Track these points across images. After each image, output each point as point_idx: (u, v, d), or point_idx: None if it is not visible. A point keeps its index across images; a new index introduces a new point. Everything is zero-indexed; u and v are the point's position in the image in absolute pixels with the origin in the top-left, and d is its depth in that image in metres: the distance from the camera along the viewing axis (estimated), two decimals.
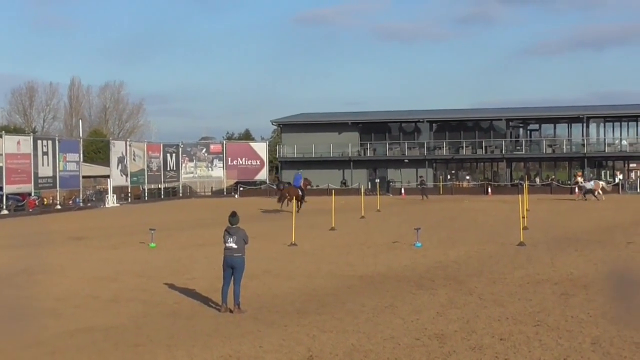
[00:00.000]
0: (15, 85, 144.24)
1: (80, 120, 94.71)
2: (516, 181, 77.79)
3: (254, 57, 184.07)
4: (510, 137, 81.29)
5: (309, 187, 53.65)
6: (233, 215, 17.22)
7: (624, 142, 78.88)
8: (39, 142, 60.72)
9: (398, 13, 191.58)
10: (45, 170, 60.03)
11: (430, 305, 16.51)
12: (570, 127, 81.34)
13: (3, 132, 63.07)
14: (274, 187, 65.37)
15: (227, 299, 16.60)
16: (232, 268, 16.74)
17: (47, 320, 15.85)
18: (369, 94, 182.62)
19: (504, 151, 79.16)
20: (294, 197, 47.08)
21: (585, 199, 58.41)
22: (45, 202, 62.30)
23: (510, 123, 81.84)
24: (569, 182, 77.51)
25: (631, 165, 79.02)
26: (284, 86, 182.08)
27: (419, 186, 71.39)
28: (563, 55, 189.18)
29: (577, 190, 61.95)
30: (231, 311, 16.32)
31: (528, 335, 13.60)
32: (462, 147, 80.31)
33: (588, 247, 26.95)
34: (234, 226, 17.01)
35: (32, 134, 71.73)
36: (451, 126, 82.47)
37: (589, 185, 61.52)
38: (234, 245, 16.79)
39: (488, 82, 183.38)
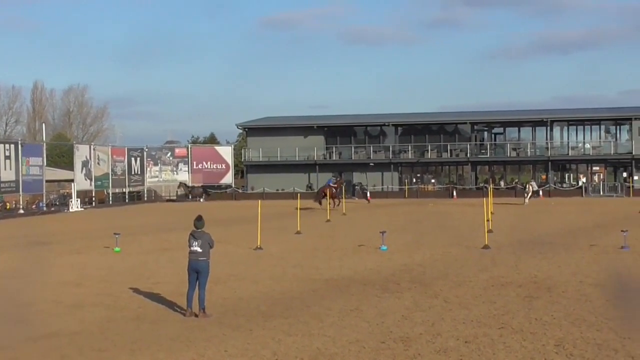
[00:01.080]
0: None
1: (44, 124, 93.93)
2: (481, 184, 78.19)
3: (220, 60, 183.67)
4: (475, 141, 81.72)
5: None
6: (199, 219, 17.15)
7: (587, 146, 79.57)
8: (1, 146, 60.16)
9: (364, 17, 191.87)
10: (8, 175, 59.47)
11: (396, 309, 16.55)
12: (535, 131, 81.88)
13: None
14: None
15: (192, 303, 16.53)
16: (197, 272, 16.67)
17: (10, 326, 15.70)
18: (335, 97, 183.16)
19: (468, 154, 79.58)
20: (329, 195, 53.73)
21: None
22: (7, 207, 61.75)
23: (475, 127, 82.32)
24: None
25: (594, 168, 79.66)
26: (250, 90, 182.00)
27: (360, 191, 71.59)
28: (528, 60, 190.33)
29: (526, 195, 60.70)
30: (196, 315, 16.26)
31: (492, 337, 13.67)
32: (428, 150, 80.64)
33: (552, 250, 27.14)
34: (199, 230, 16.92)
35: None
36: (416, 130, 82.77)
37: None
38: (199, 249, 16.72)
39: (453, 86, 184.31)
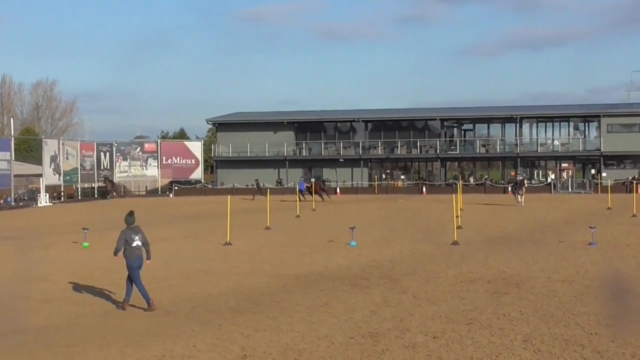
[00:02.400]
0: None
1: (12, 118, 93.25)
2: (450, 181, 78.54)
3: (190, 55, 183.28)
4: (445, 137, 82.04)
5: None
6: (131, 214, 17.21)
7: (556, 142, 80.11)
8: None
9: (336, 13, 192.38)
10: None
11: (365, 304, 16.58)
12: (504, 127, 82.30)
13: None
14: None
15: (130, 297, 16.65)
16: (139, 268, 16.67)
17: None
18: (304, 93, 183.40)
19: (438, 151, 79.83)
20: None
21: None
22: None
23: (445, 123, 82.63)
24: (502, 181, 78.49)
25: (563, 165, 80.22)
26: (220, 85, 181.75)
27: (255, 186, 71.24)
28: (498, 57, 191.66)
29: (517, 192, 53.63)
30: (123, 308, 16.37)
31: (461, 333, 13.72)
32: (397, 146, 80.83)
33: (520, 246, 27.30)
34: (134, 225, 16.89)
35: None
36: (386, 126, 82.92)
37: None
38: (140, 243, 16.75)
39: (424, 83, 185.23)
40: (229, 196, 34.51)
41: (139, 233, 16.86)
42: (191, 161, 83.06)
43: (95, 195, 74.51)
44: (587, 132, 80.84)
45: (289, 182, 78.97)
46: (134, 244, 16.73)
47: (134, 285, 16.62)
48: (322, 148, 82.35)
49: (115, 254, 16.98)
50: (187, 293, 18.42)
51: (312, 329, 14.18)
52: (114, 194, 73.63)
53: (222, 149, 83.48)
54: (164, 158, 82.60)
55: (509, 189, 56.55)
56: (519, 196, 52.49)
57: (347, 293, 18.12)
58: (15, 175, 66.14)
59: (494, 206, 51.53)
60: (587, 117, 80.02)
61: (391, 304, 16.57)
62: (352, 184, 79.91)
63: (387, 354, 12.34)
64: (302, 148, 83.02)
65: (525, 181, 58.73)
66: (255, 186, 70.46)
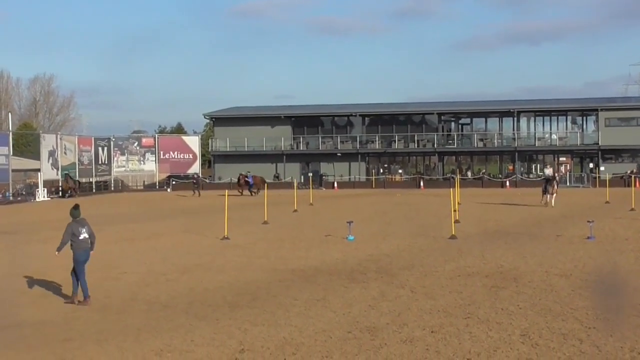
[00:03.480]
0: None
1: (10, 113, 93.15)
2: (448, 175, 78.52)
3: (187, 50, 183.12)
4: (442, 131, 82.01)
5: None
6: (76, 207, 17.10)
7: (554, 136, 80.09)
8: None
9: (332, 7, 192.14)
10: None
11: (362, 299, 16.57)
12: (502, 121, 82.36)
13: None
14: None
15: (78, 290, 16.63)
16: (85, 261, 16.67)
17: None
18: (301, 87, 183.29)
19: (435, 145, 79.88)
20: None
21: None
22: None
23: (442, 117, 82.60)
24: (500, 175, 78.53)
25: (561, 159, 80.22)
26: (217, 80, 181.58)
27: (192, 182, 71.33)
28: (496, 51, 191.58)
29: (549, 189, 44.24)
30: (79, 302, 16.43)
31: (458, 327, 13.72)
32: (395, 140, 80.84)
33: (518, 240, 27.29)
34: (80, 218, 16.90)
35: None
36: (384, 120, 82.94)
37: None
38: (87, 236, 16.73)
39: (420, 77, 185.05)
40: (226, 191, 34.48)
41: (86, 225, 16.83)
42: (189, 156, 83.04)
43: (60, 194, 69.65)
44: (585, 126, 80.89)
45: (287, 176, 78.95)
46: (81, 237, 16.63)
47: (79, 277, 16.57)
48: (320, 142, 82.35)
49: (60, 248, 16.76)
50: (185, 288, 18.41)
51: (309, 324, 14.17)
52: (75, 192, 69.11)
53: (220, 143, 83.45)
54: (162, 153, 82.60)
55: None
56: (548, 195, 44.22)
57: (345, 287, 18.11)
58: (13, 170, 66.07)
59: (492, 200, 51.50)
60: (584, 111, 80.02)
61: (389, 299, 16.56)
62: (349, 178, 79.93)
63: (385, 348, 12.33)
64: (300, 142, 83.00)
65: (557, 175, 52.58)
66: (195, 182, 70.78)
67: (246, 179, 65.33)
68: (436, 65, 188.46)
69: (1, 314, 15.71)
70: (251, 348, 12.45)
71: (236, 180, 68.46)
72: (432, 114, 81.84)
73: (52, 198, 65.03)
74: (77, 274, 16.58)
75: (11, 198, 62.78)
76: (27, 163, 75.05)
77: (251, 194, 63.74)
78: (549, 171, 50.32)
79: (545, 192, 44.91)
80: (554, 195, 44.32)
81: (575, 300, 16.09)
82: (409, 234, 29.83)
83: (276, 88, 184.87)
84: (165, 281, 19.47)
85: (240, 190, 64.57)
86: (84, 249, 16.62)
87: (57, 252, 16.86)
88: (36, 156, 71.82)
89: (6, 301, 17.14)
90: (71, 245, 16.62)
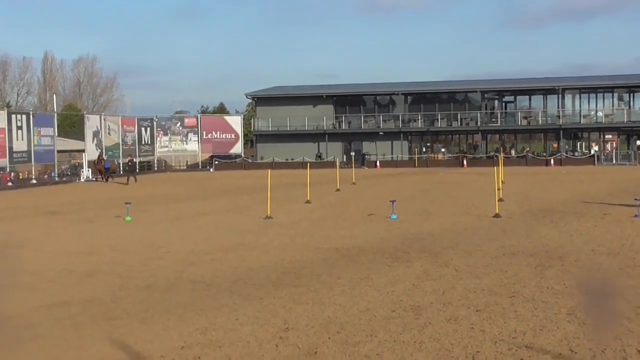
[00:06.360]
0: None
1: (54, 95, 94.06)
2: (491, 153, 78.05)
3: (229, 29, 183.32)
4: (486, 109, 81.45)
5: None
6: None
7: (600, 114, 79.17)
8: (13, 116, 60.26)
9: None
10: (20, 145, 59.64)
11: (406, 277, 16.51)
12: (546, 99, 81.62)
13: None
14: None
15: None
16: None
17: (23, 294, 15.73)
18: (343, 66, 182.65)
19: (479, 123, 79.39)
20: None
21: None
22: (20, 177, 61.90)
23: (486, 95, 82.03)
24: (544, 153, 77.88)
25: (606, 136, 79.38)
26: (259, 59, 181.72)
27: (126, 167, 64.95)
28: (542, 27, 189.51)
29: None
30: None
31: (504, 306, 13.62)
32: (437, 119, 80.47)
33: (563, 218, 27.05)
34: None
35: (6, 108, 71.23)
36: (426, 98, 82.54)
37: None
38: None
39: (464, 55, 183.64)
40: (269, 170, 34.53)
41: None
42: (231, 136, 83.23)
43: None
44: (632, 103, 79.81)
45: (329, 155, 78.91)
46: None
47: None
48: (362, 121, 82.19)
49: None
50: (229, 267, 18.46)
51: (353, 302, 14.15)
52: (105, 176, 62.88)
53: (262, 123, 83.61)
54: (204, 133, 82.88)
55: None
56: None
57: (388, 266, 18.06)
58: (58, 151, 66.69)
59: (536, 179, 51.10)
60: (632, 87, 78.94)
61: (433, 277, 16.49)
62: (392, 157, 79.76)
63: (430, 327, 12.28)
64: (342, 121, 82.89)
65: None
66: (127, 167, 63.96)
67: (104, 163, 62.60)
68: (480, 42, 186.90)
69: (49, 292, 15.87)
70: (295, 327, 12.45)
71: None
72: (476, 92, 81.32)
73: (96, 179, 65.57)
74: None
75: (57, 178, 63.42)
76: (71, 144, 75.72)
77: (105, 180, 60.85)
78: None
79: None
80: None
81: (623, 278, 15.91)
82: (452, 213, 29.70)
83: (318, 67, 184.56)
84: (209, 260, 19.54)
85: (104, 176, 61.82)
86: None
87: None
88: (80, 137, 72.44)
89: (54, 280, 17.31)
90: None
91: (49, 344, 11.78)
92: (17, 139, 59.27)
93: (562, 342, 11.16)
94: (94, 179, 61.55)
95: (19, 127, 59.77)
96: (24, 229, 27.89)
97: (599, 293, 13.87)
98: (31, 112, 65.00)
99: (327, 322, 12.74)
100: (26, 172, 63.76)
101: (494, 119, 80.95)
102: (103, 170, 61.88)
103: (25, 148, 60.28)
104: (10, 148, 57.90)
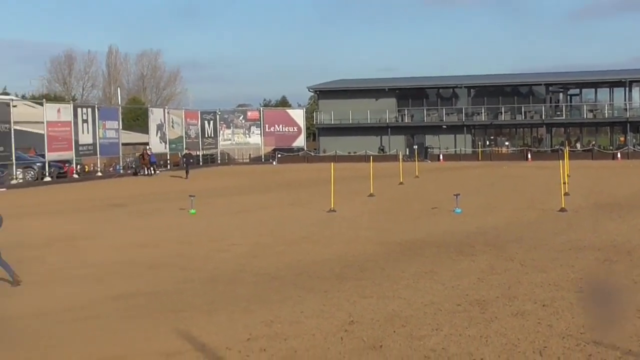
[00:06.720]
0: (54, 54, 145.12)
1: (119, 88, 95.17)
2: (556, 147, 77.17)
3: (290, 22, 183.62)
4: (550, 102, 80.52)
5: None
6: None
7: None
8: (79, 110, 61.10)
9: None
10: (86, 138, 60.45)
11: (471, 271, 16.38)
12: (612, 92, 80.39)
13: (44, 100, 63.50)
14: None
15: None
16: None
17: (89, 285, 15.95)
18: (406, 60, 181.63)
19: (543, 116, 78.53)
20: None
21: None
22: (86, 170, 62.74)
23: (550, 88, 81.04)
24: (610, 147, 76.74)
25: None
26: (321, 52, 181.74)
27: (183, 160, 62.50)
28: (608, 19, 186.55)
29: None
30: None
31: (571, 301, 13.43)
32: (501, 112, 79.76)
33: (631, 212, 26.63)
34: None
35: (72, 102, 72.24)
36: (490, 92, 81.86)
37: None
38: None
39: (529, 47, 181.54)
40: (332, 163, 34.52)
41: None
42: (293, 129, 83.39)
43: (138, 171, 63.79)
44: None
45: (391, 149, 78.70)
46: None
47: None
48: (425, 115, 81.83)
49: None
50: (292, 259, 18.49)
51: (418, 296, 14.07)
52: (149, 169, 62.68)
53: (324, 116, 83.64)
54: (267, 126, 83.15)
55: None
56: None
57: (453, 260, 17.94)
58: (123, 144, 67.45)
59: (602, 173, 50.41)
60: None
61: (498, 272, 16.33)
62: (455, 151, 79.29)
63: (496, 321, 12.16)
64: (404, 115, 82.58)
65: None
66: (185, 161, 60.87)
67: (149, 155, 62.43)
68: (545, 35, 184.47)
69: (114, 283, 16.05)
70: (360, 320, 12.42)
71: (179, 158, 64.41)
72: (540, 85, 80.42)
73: (160, 171, 66.18)
74: None
75: (121, 171, 64.14)
76: (136, 137, 76.58)
77: (150, 175, 60.88)
78: None
79: None
80: None
81: None
82: (516, 207, 29.42)
83: (380, 61, 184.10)
84: (273, 253, 19.60)
85: (149, 169, 61.85)
86: None
87: None
88: (145, 130, 73.20)
89: (119, 272, 17.50)
90: None
91: (115, 335, 11.91)
92: (83, 132, 60.07)
93: (632, 339, 10.96)
94: (140, 173, 61.43)
95: (85, 121, 60.56)
96: (90, 221, 28.26)
97: None
98: (96, 106, 65.88)
99: (392, 315, 12.69)
100: (91, 165, 64.59)
101: (558, 112, 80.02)
102: (148, 164, 62.09)
103: (90, 141, 61.07)
104: (76, 141, 58.70)
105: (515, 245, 19.99)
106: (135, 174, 62.45)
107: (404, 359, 10.26)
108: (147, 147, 64.78)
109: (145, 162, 62.07)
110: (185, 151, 65.34)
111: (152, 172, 61.80)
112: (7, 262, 15.98)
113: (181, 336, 11.61)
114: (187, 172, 56.96)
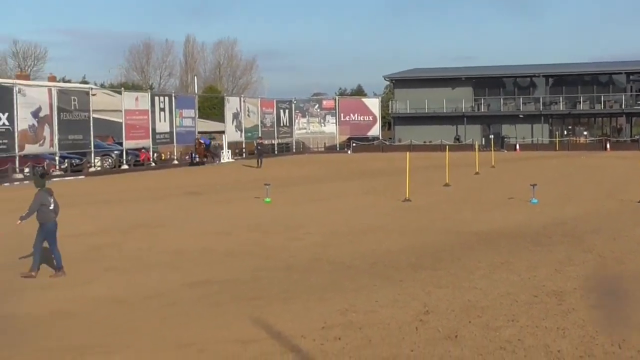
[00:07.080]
0: (133, 43, 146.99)
1: (195, 77, 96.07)
2: (636, 137, 75.75)
3: (366, 11, 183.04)
4: (631, 91, 79.01)
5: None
6: (42, 176, 16.65)
7: None
8: (156, 98, 61.77)
9: None
10: (163, 126, 61.13)
11: (548, 262, 16.19)
12: None
13: (122, 89, 64.41)
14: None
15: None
16: (54, 231, 15.92)
17: (165, 272, 16.16)
18: (482, 48, 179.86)
19: (623, 106, 77.10)
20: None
21: None
22: (163, 158, 63.44)
23: (631, 77, 79.44)
24: None
25: None
26: (396, 41, 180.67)
27: (256, 150, 60.40)
28: None
29: None
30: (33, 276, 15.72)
31: None
32: (580, 102, 78.49)
33: None
34: (47, 187, 16.21)
35: (149, 90, 73.15)
36: (568, 80, 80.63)
37: None
38: (53, 206, 16.01)
39: (608, 35, 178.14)
40: (407, 153, 34.37)
41: (52, 196, 16.07)
42: (369, 118, 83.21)
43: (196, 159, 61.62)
44: None
45: (467, 138, 78.08)
46: (51, 207, 15.94)
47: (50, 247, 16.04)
48: (501, 104, 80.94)
49: (27, 217, 15.85)
50: (367, 249, 18.49)
51: (493, 287, 13.96)
52: (209, 157, 61.29)
53: (400, 105, 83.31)
54: (342, 115, 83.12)
55: None
56: None
57: (529, 251, 17.75)
58: (199, 132, 68.03)
59: None
60: None
61: (575, 263, 16.12)
62: (532, 140, 78.28)
63: (573, 313, 12.00)
64: (481, 104, 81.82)
65: None
66: (258, 150, 59.44)
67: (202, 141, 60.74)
68: (626, 22, 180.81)
69: (190, 271, 16.23)
70: (435, 310, 12.37)
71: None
72: (620, 73, 78.95)
73: (236, 160, 66.62)
74: (49, 245, 16.00)
75: (197, 159, 64.68)
76: (212, 125, 77.18)
77: (205, 161, 59.96)
78: None
79: None
80: None
81: None
82: (595, 197, 29.00)
83: (458, 49, 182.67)
84: (347, 242, 19.62)
85: (206, 157, 60.51)
86: (53, 218, 15.98)
87: (20, 222, 15.98)
88: (220, 118, 73.71)
89: (195, 259, 17.69)
90: (40, 215, 15.90)
91: (191, 322, 12.05)
92: (160, 120, 60.75)
93: None
94: (199, 162, 60.65)
95: (162, 109, 61.25)
96: (166, 208, 28.60)
97: None
98: (173, 94, 66.58)
99: (468, 306, 12.61)
100: (168, 153, 65.27)
101: (639, 102, 78.46)
102: (203, 151, 61.07)
103: (167, 129, 61.74)
104: (153, 129, 59.39)
105: (594, 236, 19.71)
106: (192, 163, 60.86)
107: (479, 350, 10.19)
108: (198, 136, 63.77)
109: (200, 151, 60.82)
110: (257, 140, 65.24)
111: (214, 159, 61.30)
112: (60, 253, 16.12)
113: (256, 324, 11.70)
114: (259, 161, 56.81)
